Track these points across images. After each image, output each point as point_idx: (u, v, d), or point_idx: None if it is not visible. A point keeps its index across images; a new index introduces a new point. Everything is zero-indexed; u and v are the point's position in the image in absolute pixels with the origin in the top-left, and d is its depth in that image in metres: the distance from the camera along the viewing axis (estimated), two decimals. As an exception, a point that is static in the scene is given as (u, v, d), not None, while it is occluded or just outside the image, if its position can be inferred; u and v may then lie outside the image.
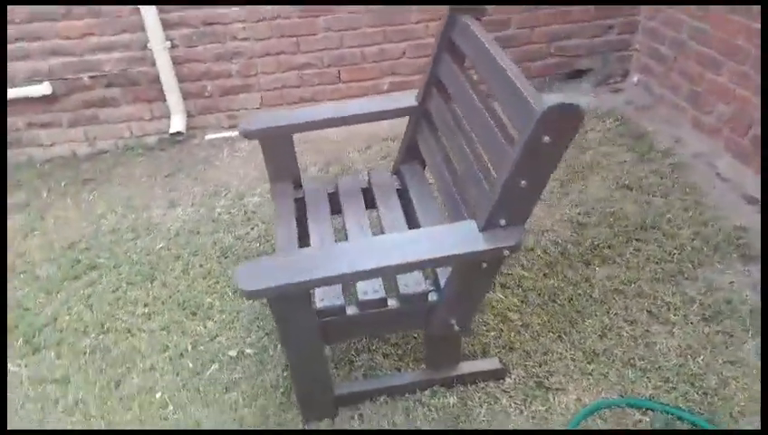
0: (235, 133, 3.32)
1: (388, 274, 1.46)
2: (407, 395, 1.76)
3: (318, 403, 1.68)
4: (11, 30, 2.98)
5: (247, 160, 3.11)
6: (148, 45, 3.07)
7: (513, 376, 1.80)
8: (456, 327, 1.60)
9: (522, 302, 2.06)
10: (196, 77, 3.25)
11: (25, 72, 3.09)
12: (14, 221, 2.77)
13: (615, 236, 2.33)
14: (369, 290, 1.57)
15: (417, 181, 2.04)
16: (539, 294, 2.08)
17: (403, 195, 2.03)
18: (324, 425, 1.71)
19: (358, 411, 1.74)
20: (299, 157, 2.12)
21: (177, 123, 3.27)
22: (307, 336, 1.50)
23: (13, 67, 3.06)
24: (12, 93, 3.09)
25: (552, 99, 1.31)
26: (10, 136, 3.25)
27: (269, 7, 3.10)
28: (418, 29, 3.24)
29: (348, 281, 1.54)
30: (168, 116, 3.30)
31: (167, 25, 3.06)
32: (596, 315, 1.98)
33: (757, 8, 2.40)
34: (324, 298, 1.55)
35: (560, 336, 1.92)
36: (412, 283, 1.59)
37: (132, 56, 3.14)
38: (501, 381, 1.78)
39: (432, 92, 1.93)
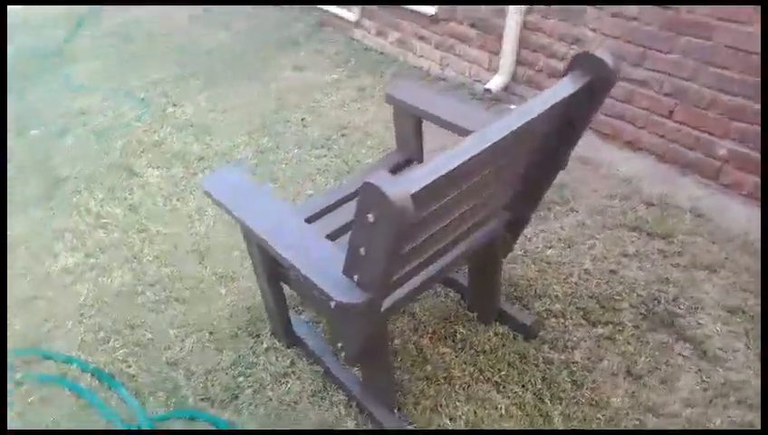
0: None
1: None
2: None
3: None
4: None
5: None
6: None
7: None
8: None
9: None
10: (535, 48, 3.18)
11: (423, -9, 3.65)
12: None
13: None
14: None
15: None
16: None
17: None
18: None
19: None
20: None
21: (496, 82, 3.34)
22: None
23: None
24: (412, 7, 3.72)
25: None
26: (395, 37, 3.97)
27: (634, 7, 2.69)
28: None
29: None
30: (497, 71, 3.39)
31: (531, -12, 3.05)
32: None
33: None
34: None
35: None
36: None
37: (493, 8, 3.28)
38: None
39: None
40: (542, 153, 1.59)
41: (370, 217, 1.09)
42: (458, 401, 1.80)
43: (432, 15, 3.67)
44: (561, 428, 1.71)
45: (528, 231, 2.40)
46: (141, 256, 2.40)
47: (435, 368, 1.90)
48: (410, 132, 2.03)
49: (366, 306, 1.32)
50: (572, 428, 1.71)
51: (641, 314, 2.05)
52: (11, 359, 1.98)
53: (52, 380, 1.93)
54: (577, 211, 2.54)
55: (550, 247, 2.36)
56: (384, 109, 3.23)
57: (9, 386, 1.89)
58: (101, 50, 4.39)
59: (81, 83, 3.88)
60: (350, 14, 4.26)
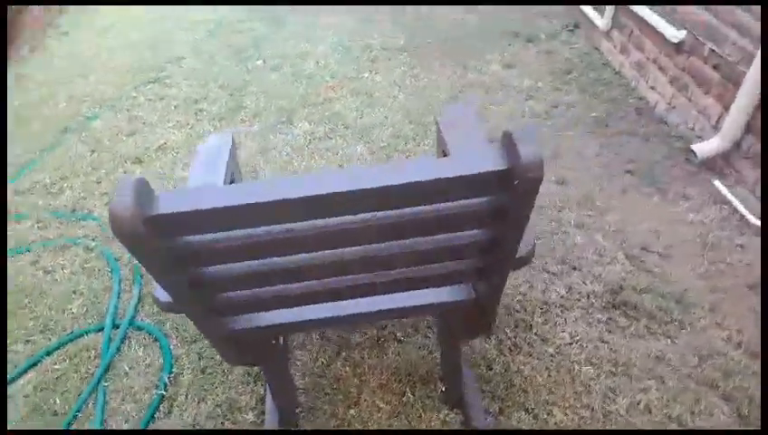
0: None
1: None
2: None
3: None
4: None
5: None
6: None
7: None
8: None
9: None
10: (776, 115, 2.26)
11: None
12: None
13: None
14: None
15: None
16: None
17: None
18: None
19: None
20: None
21: (709, 146, 2.50)
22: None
23: None
24: (661, 26, 2.99)
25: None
26: (636, 58, 3.24)
27: None
28: None
29: None
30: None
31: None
32: None
33: None
34: None
35: None
36: None
37: (746, 48, 2.41)
38: None
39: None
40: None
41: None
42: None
43: (677, 43, 2.88)
44: None
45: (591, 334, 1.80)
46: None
47: (352, 410, 1.63)
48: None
49: (168, 307, 1.19)
50: None
51: None
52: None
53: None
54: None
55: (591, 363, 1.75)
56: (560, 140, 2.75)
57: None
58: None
59: (318, 35, 4.28)
60: (600, 21, 3.65)
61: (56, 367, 1.87)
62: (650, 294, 1.96)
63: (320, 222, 1.06)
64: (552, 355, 1.79)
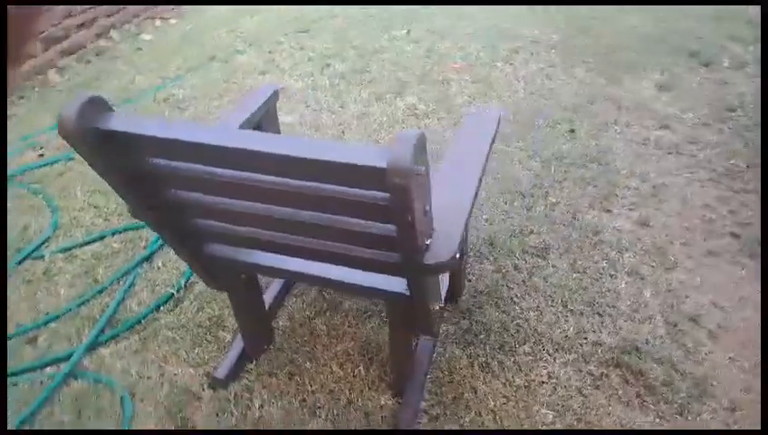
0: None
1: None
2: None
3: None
4: None
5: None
6: None
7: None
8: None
9: None
10: None
11: None
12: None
13: None
14: None
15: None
16: None
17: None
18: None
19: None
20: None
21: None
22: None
23: None
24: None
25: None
26: None
27: None
28: None
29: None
30: None
31: None
32: None
33: None
34: None
35: None
36: None
37: None
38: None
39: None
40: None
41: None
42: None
43: None
44: None
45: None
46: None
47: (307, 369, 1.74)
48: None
49: (134, 215, 1.37)
50: None
51: None
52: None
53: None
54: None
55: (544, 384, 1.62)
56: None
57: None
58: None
59: (472, 17, 4.22)
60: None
61: (114, 245, 2.25)
62: (665, 366, 1.73)
63: (235, 173, 1.15)
64: (517, 387, 1.69)
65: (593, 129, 2.88)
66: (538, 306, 1.94)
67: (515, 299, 1.96)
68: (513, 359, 1.77)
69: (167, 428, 1.62)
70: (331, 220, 1.19)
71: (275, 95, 1.81)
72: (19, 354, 1.84)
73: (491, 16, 4.19)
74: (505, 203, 2.39)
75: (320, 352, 1.81)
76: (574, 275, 2.06)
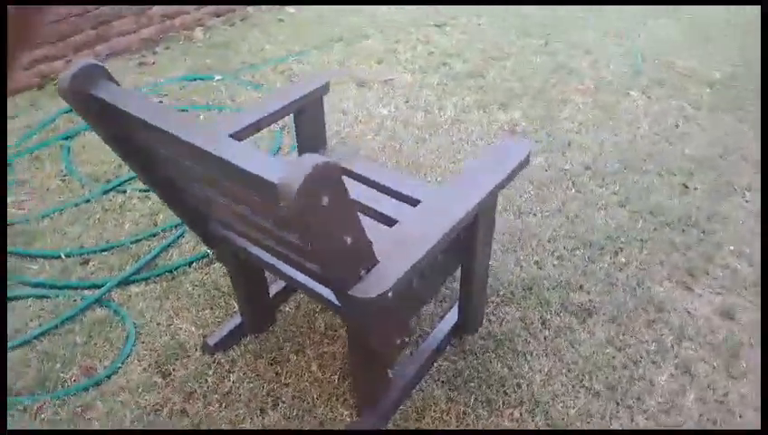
0: None
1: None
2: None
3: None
4: None
5: None
6: None
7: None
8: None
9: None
10: None
11: None
12: None
13: None
14: None
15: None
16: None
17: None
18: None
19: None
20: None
21: None
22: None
23: None
24: None
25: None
26: None
27: None
28: None
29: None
30: None
31: None
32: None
33: None
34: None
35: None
36: None
37: None
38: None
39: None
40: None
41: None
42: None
43: None
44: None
45: None
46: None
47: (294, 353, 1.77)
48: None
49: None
50: None
51: None
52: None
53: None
54: None
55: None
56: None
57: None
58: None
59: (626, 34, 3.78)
60: None
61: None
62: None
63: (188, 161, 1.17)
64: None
65: (713, 189, 2.46)
66: (549, 371, 1.73)
67: (528, 356, 1.78)
68: (494, 420, 1.61)
69: (150, 378, 1.73)
70: (258, 220, 1.17)
71: (324, 87, 1.80)
72: (70, 271, 2.09)
73: (652, 38, 3.75)
74: (566, 249, 2.16)
75: (309, 347, 1.81)
76: (608, 349, 1.80)
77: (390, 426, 1.60)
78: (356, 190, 1.68)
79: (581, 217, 2.30)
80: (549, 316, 1.90)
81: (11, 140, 2.79)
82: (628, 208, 2.35)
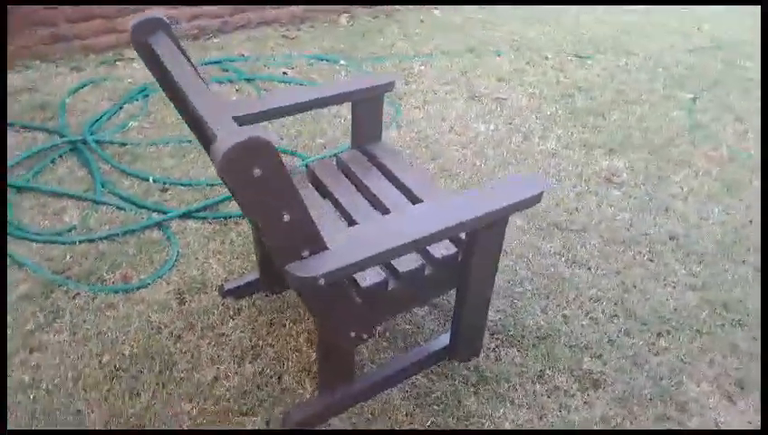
0: None
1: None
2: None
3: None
4: None
5: None
6: None
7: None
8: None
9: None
10: None
11: None
12: None
13: None
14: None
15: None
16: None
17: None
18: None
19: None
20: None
21: None
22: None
23: None
24: None
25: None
26: None
27: None
28: None
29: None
30: None
31: None
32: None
33: None
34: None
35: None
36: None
37: None
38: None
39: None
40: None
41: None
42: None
43: None
44: None
45: None
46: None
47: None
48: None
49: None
50: None
51: None
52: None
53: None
54: None
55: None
56: None
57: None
58: None
59: None
60: None
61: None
62: None
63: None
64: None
65: (819, 304, 2.08)
66: (522, 425, 1.63)
67: (507, 402, 1.68)
68: (440, 448, 1.56)
69: (168, 301, 1.94)
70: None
71: (387, 85, 1.86)
72: (150, 194, 2.39)
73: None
74: (604, 313, 1.98)
75: (305, 321, 1.90)
76: (600, 426, 1.64)
77: (343, 417, 1.63)
78: (378, 184, 1.74)
79: (640, 287, 2.09)
80: (550, 372, 1.78)
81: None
82: (700, 295, 2.08)
